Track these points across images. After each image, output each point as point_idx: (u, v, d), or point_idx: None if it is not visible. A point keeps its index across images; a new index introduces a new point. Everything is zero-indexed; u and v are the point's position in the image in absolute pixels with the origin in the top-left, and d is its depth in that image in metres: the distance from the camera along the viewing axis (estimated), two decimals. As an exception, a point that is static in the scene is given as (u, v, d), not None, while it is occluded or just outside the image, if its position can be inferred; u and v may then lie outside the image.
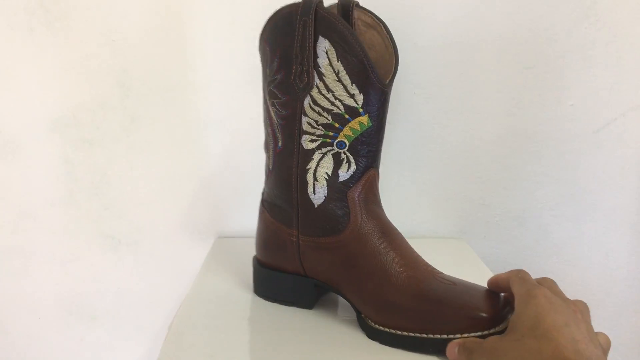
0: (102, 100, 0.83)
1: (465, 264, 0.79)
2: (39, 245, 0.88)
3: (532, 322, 0.45)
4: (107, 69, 0.82)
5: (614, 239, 0.89)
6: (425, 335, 0.54)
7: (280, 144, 0.61)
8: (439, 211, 0.88)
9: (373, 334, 0.57)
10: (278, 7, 0.57)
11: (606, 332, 0.92)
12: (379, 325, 0.56)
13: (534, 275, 0.90)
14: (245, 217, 0.88)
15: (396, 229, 0.60)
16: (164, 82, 0.82)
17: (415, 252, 0.59)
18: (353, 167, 0.58)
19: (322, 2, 0.56)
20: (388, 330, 0.56)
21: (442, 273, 0.57)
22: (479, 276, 0.73)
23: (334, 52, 0.54)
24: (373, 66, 0.54)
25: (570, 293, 0.90)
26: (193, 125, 0.84)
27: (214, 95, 0.83)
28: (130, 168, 0.85)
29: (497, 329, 0.51)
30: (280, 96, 0.59)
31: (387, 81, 0.56)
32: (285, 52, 0.57)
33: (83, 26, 0.80)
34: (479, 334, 0.51)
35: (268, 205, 0.64)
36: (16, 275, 0.89)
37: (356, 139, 0.57)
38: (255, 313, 0.63)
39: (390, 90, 0.57)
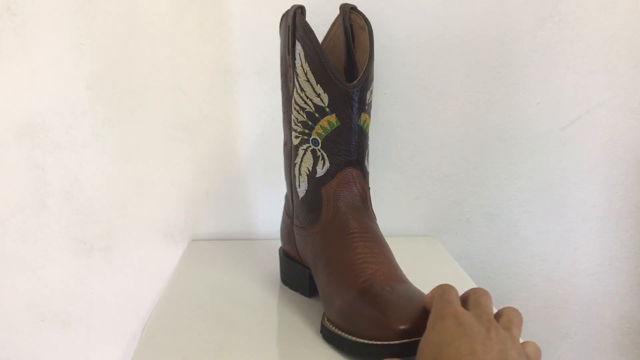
0: (71, 105, 0.82)
1: (437, 262, 0.80)
2: (10, 252, 0.87)
3: (436, 352, 0.40)
4: (76, 72, 0.81)
5: (582, 234, 0.91)
6: (343, 335, 0.54)
7: (285, 139, 0.65)
8: (411, 210, 0.89)
9: (321, 328, 0.58)
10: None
11: (575, 326, 0.94)
12: (326, 320, 0.57)
13: (503, 270, 0.92)
14: (218, 220, 0.88)
15: (372, 229, 0.60)
16: (133, 85, 0.82)
17: (385, 253, 0.58)
18: (327, 164, 0.60)
19: (302, 8, 0.59)
20: (326, 325, 0.57)
21: (399, 281, 0.56)
22: (450, 273, 0.74)
23: (303, 54, 0.57)
24: (331, 67, 0.56)
25: (540, 287, 0.93)
26: (163, 128, 0.84)
27: (185, 98, 0.83)
28: (102, 172, 0.85)
29: (399, 341, 0.49)
30: (283, 95, 0.64)
31: (355, 82, 0.57)
32: (284, 55, 0.62)
33: (51, 30, 0.79)
34: (379, 343, 0.50)
35: (286, 197, 0.69)
36: (-14, 283, 0.88)
37: (327, 137, 0.58)
38: (228, 315, 0.63)
39: (357, 91, 0.58)
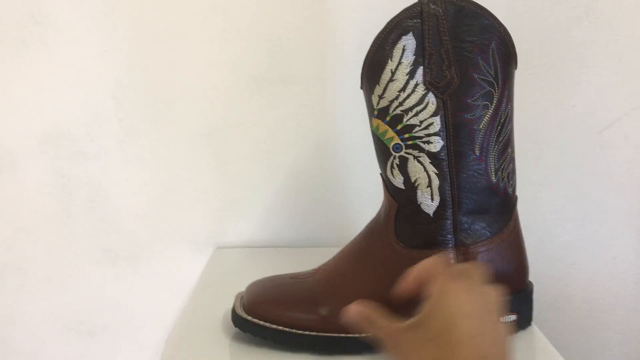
0: (96, 113, 0.82)
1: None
2: (35, 261, 0.87)
3: (443, 327, 0.39)
4: (100, 80, 0.81)
5: (621, 241, 0.88)
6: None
7: None
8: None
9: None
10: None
11: (615, 337, 0.91)
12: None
13: (538, 279, 0.89)
14: (243, 227, 0.87)
15: (359, 240, 0.59)
16: (157, 93, 0.82)
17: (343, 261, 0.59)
18: None
19: None
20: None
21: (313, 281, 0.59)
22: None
23: None
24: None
25: (578, 297, 0.90)
26: (188, 136, 0.83)
27: (209, 106, 0.82)
28: (126, 180, 0.85)
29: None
30: None
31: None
32: None
33: (74, 38, 0.80)
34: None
35: None
36: (12, 292, 0.88)
37: None
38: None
39: (364, 92, 0.57)
